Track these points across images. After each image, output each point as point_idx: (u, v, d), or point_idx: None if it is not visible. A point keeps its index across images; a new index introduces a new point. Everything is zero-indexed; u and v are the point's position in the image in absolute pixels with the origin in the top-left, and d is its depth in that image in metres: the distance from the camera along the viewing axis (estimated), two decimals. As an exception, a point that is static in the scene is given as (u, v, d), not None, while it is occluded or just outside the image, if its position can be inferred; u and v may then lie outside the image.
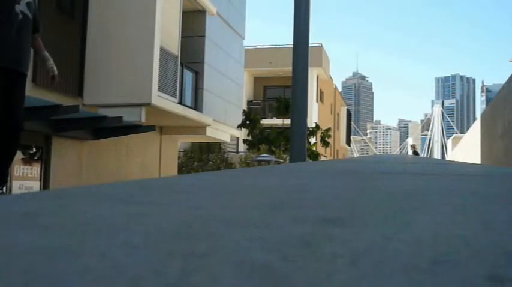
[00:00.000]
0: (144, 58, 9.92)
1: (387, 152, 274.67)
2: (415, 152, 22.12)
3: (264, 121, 19.85)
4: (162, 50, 10.35)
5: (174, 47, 11.07)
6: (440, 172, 1.39)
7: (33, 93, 7.39)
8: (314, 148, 18.63)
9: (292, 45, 5.53)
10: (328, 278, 0.22)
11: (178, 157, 16.11)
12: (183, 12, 11.69)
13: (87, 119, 8.99)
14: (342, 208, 0.49)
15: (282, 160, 16.31)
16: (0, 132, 3.66)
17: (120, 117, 8.69)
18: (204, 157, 18.72)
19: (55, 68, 4.11)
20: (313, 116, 25.42)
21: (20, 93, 3.84)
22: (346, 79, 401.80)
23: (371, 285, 0.22)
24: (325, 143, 19.82)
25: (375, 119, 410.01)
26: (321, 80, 30.00)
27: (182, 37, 11.48)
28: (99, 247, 0.27)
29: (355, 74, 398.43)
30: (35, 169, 9.15)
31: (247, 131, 18.46)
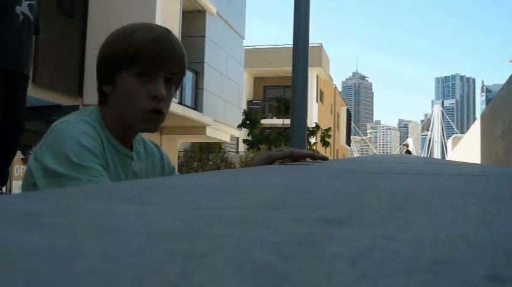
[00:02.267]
0: (144, 58, 9.92)
1: (387, 152, 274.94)
2: (408, 152, 22.08)
3: (264, 121, 19.85)
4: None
5: (174, 47, 11.06)
6: (440, 172, 1.39)
7: (33, 93, 7.40)
8: (314, 148, 18.63)
9: (292, 45, 5.54)
10: (328, 278, 0.22)
11: (178, 157, 16.12)
12: (183, 12, 11.69)
13: (87, 119, 8.98)
14: (342, 208, 0.49)
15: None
16: (0, 133, 3.66)
17: (120, 118, 8.69)
18: (204, 157, 18.73)
19: None
20: (313, 116, 25.44)
21: (21, 94, 3.84)
22: (346, 79, 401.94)
23: (371, 285, 0.22)
24: (325, 143, 19.83)
25: (375, 119, 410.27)
26: (321, 80, 30.02)
27: (182, 37, 11.48)
28: (99, 247, 0.27)
29: (355, 74, 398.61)
30: (35, 169, 9.14)
31: (247, 131, 18.47)
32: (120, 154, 1.37)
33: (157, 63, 1.34)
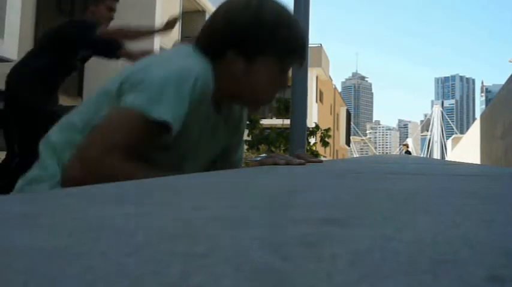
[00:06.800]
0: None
1: (387, 153, 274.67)
2: (408, 152, 21.98)
3: (263, 121, 19.81)
4: (161, 50, 10.35)
5: (174, 47, 11.05)
6: (440, 172, 1.39)
7: (33, 94, 7.38)
8: (314, 148, 18.62)
9: (292, 46, 5.54)
10: (328, 278, 0.22)
11: (178, 157, 16.05)
12: (183, 13, 11.69)
13: (86, 119, 8.97)
14: (342, 208, 0.49)
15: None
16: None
17: (120, 118, 8.67)
18: (203, 157, 18.68)
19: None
20: (313, 116, 25.42)
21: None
22: (346, 79, 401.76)
23: (371, 285, 0.22)
24: (325, 144, 19.80)
25: (374, 119, 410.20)
26: (320, 80, 29.99)
27: (182, 37, 11.48)
28: (99, 247, 0.27)
29: (354, 74, 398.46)
30: (35, 169, 9.14)
31: (247, 131, 18.46)
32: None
33: (299, 63, 1.37)
